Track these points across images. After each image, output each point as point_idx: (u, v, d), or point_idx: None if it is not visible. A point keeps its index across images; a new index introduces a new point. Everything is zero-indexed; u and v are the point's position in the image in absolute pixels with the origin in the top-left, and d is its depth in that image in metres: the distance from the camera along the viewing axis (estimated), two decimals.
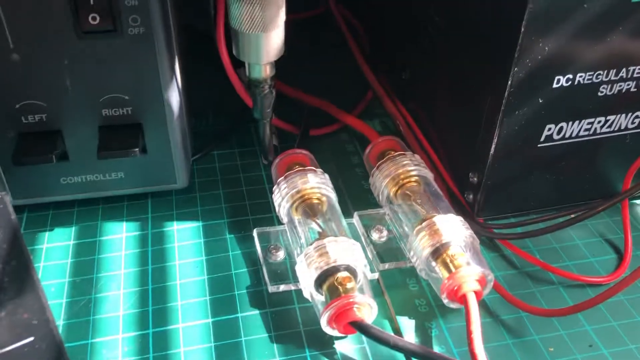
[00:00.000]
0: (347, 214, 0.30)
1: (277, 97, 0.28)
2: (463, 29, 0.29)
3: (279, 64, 0.27)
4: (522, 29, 0.24)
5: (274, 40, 0.23)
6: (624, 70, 0.26)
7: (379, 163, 0.30)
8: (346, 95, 0.38)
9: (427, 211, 0.27)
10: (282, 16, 0.23)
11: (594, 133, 0.29)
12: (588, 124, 0.28)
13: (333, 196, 0.28)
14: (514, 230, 0.30)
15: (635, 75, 0.27)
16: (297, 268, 0.25)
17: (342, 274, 0.24)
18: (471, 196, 0.30)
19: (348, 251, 0.25)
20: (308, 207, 0.27)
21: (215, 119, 0.36)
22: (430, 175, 0.29)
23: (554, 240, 0.30)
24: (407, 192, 0.29)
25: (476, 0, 0.27)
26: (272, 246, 0.27)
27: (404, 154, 0.30)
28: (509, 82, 0.25)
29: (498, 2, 0.25)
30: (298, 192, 0.28)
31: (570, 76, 0.26)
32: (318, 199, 0.28)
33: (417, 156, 0.30)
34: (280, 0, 0.22)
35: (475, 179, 0.29)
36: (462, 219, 0.27)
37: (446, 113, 0.32)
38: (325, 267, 0.24)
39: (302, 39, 0.40)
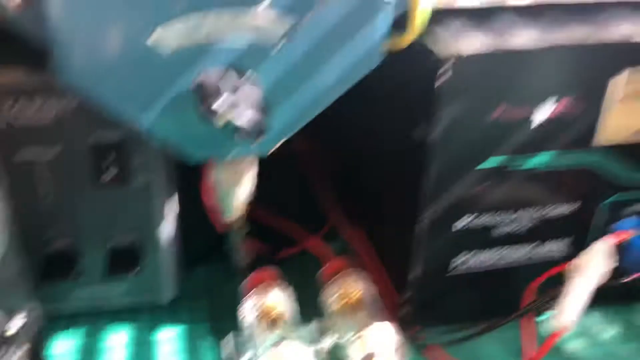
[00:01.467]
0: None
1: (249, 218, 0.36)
2: (389, 178, 0.37)
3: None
4: (426, 190, 0.32)
5: (244, 193, 0.31)
6: (511, 215, 0.35)
7: (329, 281, 0.37)
8: (314, 217, 0.46)
9: (364, 324, 0.34)
10: (250, 176, 0.31)
11: (498, 261, 0.36)
12: (490, 255, 0.36)
13: (293, 309, 0.35)
14: (440, 340, 0.36)
15: (521, 219, 0.35)
16: None
17: None
18: (404, 310, 0.37)
19: (299, 357, 0.31)
20: (270, 320, 0.34)
21: (205, 239, 0.44)
22: (371, 292, 0.37)
23: (475, 348, 0.37)
24: (351, 306, 0.36)
25: (396, 163, 0.36)
26: (237, 353, 0.34)
27: (354, 274, 0.38)
28: (419, 228, 0.33)
29: (407, 164, 0.34)
30: (262, 305, 0.35)
31: (468, 221, 0.34)
32: (279, 311, 0.35)
33: (362, 275, 0.38)
34: (249, 166, 0.30)
35: (407, 295, 0.36)
36: (393, 330, 0.34)
37: (387, 238, 0.39)
38: None
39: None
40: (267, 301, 0.35)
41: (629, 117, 0.33)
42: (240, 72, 0.26)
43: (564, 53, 0.30)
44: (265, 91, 0.27)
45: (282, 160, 0.52)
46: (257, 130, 0.26)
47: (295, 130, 0.29)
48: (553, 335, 0.30)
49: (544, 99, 0.31)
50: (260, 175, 0.53)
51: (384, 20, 0.27)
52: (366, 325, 0.34)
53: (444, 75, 0.29)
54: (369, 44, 0.27)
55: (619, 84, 0.31)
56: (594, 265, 0.32)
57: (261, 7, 0.24)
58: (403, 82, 0.33)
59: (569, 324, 0.30)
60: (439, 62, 0.28)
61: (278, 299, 0.35)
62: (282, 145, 0.53)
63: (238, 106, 0.25)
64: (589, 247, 0.33)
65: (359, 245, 0.42)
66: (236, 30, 0.25)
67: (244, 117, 0.25)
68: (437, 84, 0.29)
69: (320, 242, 0.42)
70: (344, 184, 0.47)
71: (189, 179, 0.40)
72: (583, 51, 0.30)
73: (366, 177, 0.42)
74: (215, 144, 0.28)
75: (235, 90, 0.25)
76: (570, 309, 0.30)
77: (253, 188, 0.32)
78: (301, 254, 0.43)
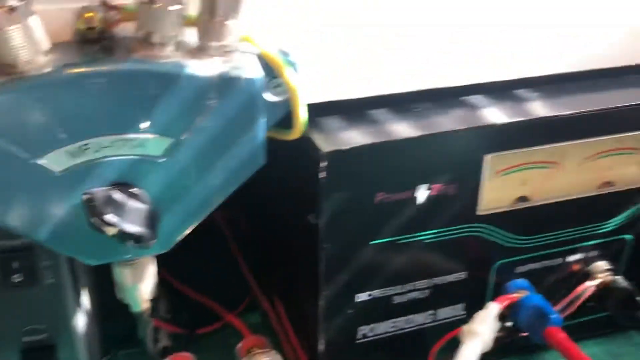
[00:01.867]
0: None
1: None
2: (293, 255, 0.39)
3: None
4: (323, 268, 0.34)
5: (146, 287, 0.33)
6: (408, 285, 0.37)
7: (245, 357, 0.39)
8: (234, 293, 0.47)
9: None
10: (151, 272, 0.33)
11: (400, 329, 0.38)
12: (393, 323, 0.38)
13: None
14: None
15: (418, 287, 0.37)
16: None
17: None
18: None
19: None
20: None
21: (125, 322, 0.45)
22: None
23: None
24: None
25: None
26: None
27: (267, 352, 0.39)
28: (320, 302, 0.35)
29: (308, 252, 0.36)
30: None
31: (368, 293, 0.36)
32: None
33: (277, 354, 0.39)
34: (149, 263, 0.32)
35: None
36: None
37: (298, 311, 0.41)
38: None
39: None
40: None
41: (501, 190, 0.36)
42: (128, 186, 0.27)
43: (435, 140, 0.33)
44: (154, 200, 0.28)
45: (204, 236, 0.54)
46: (147, 238, 0.27)
47: (188, 229, 0.30)
48: None
49: (420, 183, 0.33)
50: (183, 250, 0.55)
51: (264, 123, 0.29)
52: None
53: (325, 168, 0.31)
54: (252, 147, 0.29)
55: (487, 165, 0.35)
56: (483, 328, 0.35)
57: (140, 133, 0.26)
58: (296, 171, 0.35)
59: None
60: (320, 155, 0.31)
61: None
62: (203, 222, 0.55)
63: (126, 217, 0.27)
64: (478, 312, 0.36)
65: (275, 320, 0.44)
66: (120, 151, 0.27)
67: (132, 227, 0.27)
68: (320, 175, 0.31)
69: (236, 318, 0.43)
70: (265, 259, 0.49)
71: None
72: (454, 137, 0.33)
73: (280, 253, 0.44)
74: (111, 249, 0.29)
75: (123, 203, 0.27)
76: None
77: (155, 282, 0.33)
78: (223, 328, 0.45)
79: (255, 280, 0.47)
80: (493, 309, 0.36)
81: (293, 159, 0.36)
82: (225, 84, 0.27)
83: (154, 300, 0.35)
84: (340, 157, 0.31)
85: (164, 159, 0.28)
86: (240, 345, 0.40)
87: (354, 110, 0.35)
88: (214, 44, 0.27)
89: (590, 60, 0.38)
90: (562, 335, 0.36)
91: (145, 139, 0.27)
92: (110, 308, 0.44)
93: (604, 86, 0.38)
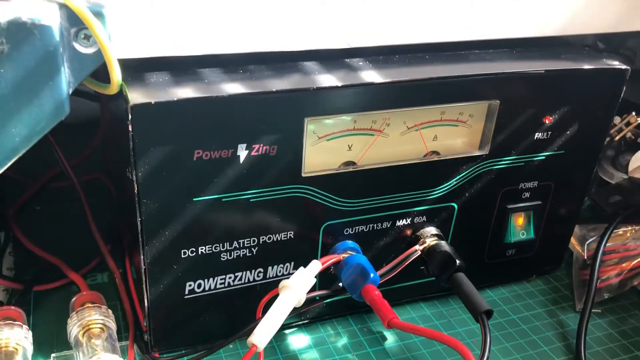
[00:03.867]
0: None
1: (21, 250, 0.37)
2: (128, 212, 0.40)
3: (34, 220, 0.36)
4: (144, 223, 0.35)
5: None
6: (235, 242, 0.38)
7: (76, 311, 0.39)
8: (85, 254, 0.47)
9: (100, 351, 0.37)
10: None
11: (229, 285, 0.40)
12: (221, 279, 0.39)
13: (28, 345, 0.37)
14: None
15: (245, 245, 0.39)
16: None
17: None
18: (146, 336, 0.39)
19: None
20: (2, 354, 0.36)
21: None
22: (112, 325, 0.39)
23: None
24: (90, 335, 0.38)
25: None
26: None
27: (98, 307, 0.40)
28: (143, 257, 0.36)
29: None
30: None
31: (194, 249, 0.37)
32: (13, 346, 0.36)
33: (108, 310, 0.40)
34: None
35: (145, 323, 0.39)
36: (120, 359, 0.36)
37: (134, 269, 0.42)
38: None
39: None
40: (3, 337, 0.36)
41: (326, 154, 0.38)
42: None
43: (254, 100, 0.34)
44: None
45: (60, 200, 0.53)
46: None
47: None
48: (249, 350, 0.34)
49: (240, 142, 0.34)
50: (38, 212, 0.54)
51: (69, 74, 0.30)
52: (99, 352, 0.36)
53: (132, 121, 0.32)
54: (54, 97, 0.29)
55: (308, 129, 0.36)
56: (296, 283, 0.36)
57: None
58: (120, 126, 0.36)
59: (259, 341, 0.34)
60: (129, 109, 0.31)
61: (14, 335, 0.36)
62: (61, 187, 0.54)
63: None
64: (299, 269, 0.38)
65: (119, 280, 0.44)
66: None
67: None
68: (130, 129, 0.32)
69: (79, 276, 0.44)
70: (115, 222, 0.49)
71: None
72: (274, 98, 0.34)
73: (124, 214, 0.45)
74: None
75: None
76: (264, 327, 0.34)
77: None
78: (67, 286, 0.45)
79: (106, 241, 0.47)
80: (314, 266, 0.38)
81: (119, 116, 0.36)
82: (17, 29, 0.27)
83: None
84: (150, 110, 0.32)
85: None
86: (74, 299, 0.40)
87: (182, 68, 0.36)
88: None
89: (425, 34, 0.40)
90: (376, 293, 0.38)
91: None
92: None
93: (440, 59, 0.40)
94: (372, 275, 0.38)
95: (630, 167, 0.53)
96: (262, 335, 0.34)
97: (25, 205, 0.53)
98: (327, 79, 0.36)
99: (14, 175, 0.52)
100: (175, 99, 0.32)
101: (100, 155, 0.57)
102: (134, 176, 0.33)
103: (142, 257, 0.36)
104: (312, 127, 0.37)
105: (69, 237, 0.49)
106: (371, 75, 0.37)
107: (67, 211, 0.52)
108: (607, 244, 0.48)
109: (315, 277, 0.38)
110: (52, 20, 0.28)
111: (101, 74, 0.32)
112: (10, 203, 0.52)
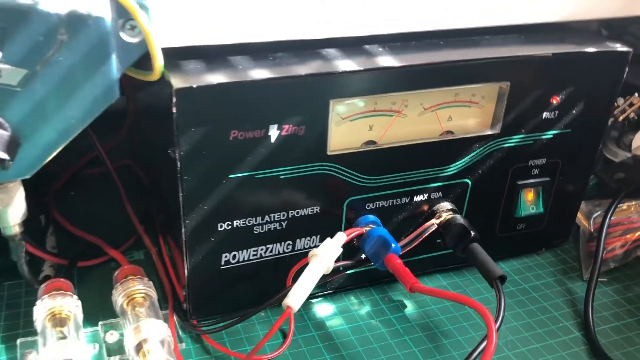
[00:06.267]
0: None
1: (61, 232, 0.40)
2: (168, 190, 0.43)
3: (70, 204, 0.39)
4: (184, 198, 0.38)
5: (15, 212, 0.36)
6: (267, 217, 0.41)
7: (120, 282, 0.42)
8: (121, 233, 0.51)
9: (144, 317, 0.40)
10: (19, 197, 0.35)
11: (261, 257, 0.43)
12: (254, 251, 0.42)
13: (78, 312, 0.40)
14: (214, 326, 0.42)
15: (276, 219, 0.42)
16: None
17: None
18: (184, 305, 0.43)
19: (73, 349, 0.36)
20: (57, 320, 0.39)
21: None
22: (153, 294, 0.42)
23: (243, 331, 0.43)
24: (134, 304, 0.41)
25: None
26: (27, 351, 0.39)
27: (140, 278, 0.43)
28: (183, 230, 0.39)
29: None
30: (51, 309, 0.39)
31: (229, 223, 0.40)
32: (66, 313, 0.39)
33: (149, 281, 0.43)
34: (15, 188, 0.35)
35: (184, 293, 0.42)
36: (164, 324, 0.39)
37: (173, 243, 0.45)
38: None
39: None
40: (56, 304, 0.40)
41: (349, 134, 0.41)
42: None
43: (284, 83, 0.37)
44: (14, 127, 0.31)
45: (96, 183, 0.57)
46: (5, 160, 0.30)
47: (50, 155, 0.33)
48: (283, 313, 0.37)
49: (271, 123, 0.37)
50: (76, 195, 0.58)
51: (118, 61, 0.33)
52: (143, 318, 0.39)
53: (176, 104, 0.35)
54: (106, 82, 0.32)
55: (333, 110, 0.39)
56: (325, 252, 0.39)
57: None
58: (161, 111, 0.39)
59: (294, 303, 0.37)
60: (172, 92, 0.35)
61: (66, 303, 0.40)
62: (100, 164, 0.58)
63: None
64: (326, 240, 0.41)
65: (155, 256, 0.47)
66: None
67: None
68: (173, 110, 0.35)
69: (119, 253, 0.47)
70: (150, 202, 0.52)
71: None
72: (302, 81, 0.37)
73: (160, 193, 0.48)
74: None
75: None
76: (297, 290, 0.37)
77: (24, 207, 0.36)
78: (107, 263, 0.48)
79: (140, 222, 0.50)
80: (339, 238, 0.41)
81: (160, 100, 0.39)
82: (74, 21, 0.31)
83: (26, 224, 0.38)
84: (192, 94, 0.35)
85: (21, 89, 0.31)
86: (117, 273, 0.43)
87: (215, 56, 0.39)
88: None
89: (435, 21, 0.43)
90: (398, 261, 0.41)
91: (1, 69, 0.30)
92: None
93: (453, 45, 0.43)
94: (393, 245, 0.41)
95: (634, 146, 0.55)
96: (296, 298, 0.37)
97: (60, 191, 0.57)
98: (350, 64, 0.39)
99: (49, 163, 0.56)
100: (215, 83, 0.35)
101: (128, 144, 0.60)
102: (176, 155, 0.36)
103: (182, 230, 0.39)
104: (337, 109, 0.40)
105: (102, 219, 0.52)
106: (390, 60, 0.40)
107: (99, 195, 0.56)
108: (612, 218, 0.51)
109: (342, 247, 0.41)
110: (104, 11, 0.31)
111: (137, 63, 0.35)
112: (47, 189, 0.55)
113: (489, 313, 0.36)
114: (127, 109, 0.57)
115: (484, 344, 0.36)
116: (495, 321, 0.38)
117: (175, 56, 0.38)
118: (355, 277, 0.47)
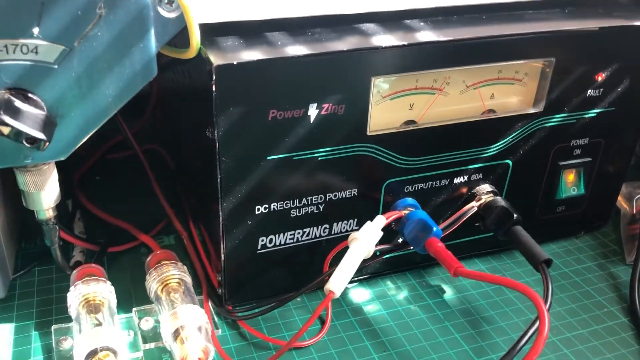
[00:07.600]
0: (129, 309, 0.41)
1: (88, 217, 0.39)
2: (201, 173, 0.42)
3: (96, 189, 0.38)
4: (221, 180, 0.37)
5: (49, 195, 0.35)
6: (304, 199, 0.40)
7: (153, 268, 0.41)
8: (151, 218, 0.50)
9: (179, 303, 0.39)
10: (53, 179, 0.34)
11: (298, 240, 0.42)
12: (291, 235, 0.41)
13: (112, 298, 0.39)
14: (250, 312, 0.41)
15: (313, 202, 0.40)
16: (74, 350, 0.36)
17: (103, 353, 0.35)
18: (220, 290, 0.42)
19: (109, 336, 0.35)
20: (91, 306, 0.38)
21: (42, 242, 0.47)
22: (188, 279, 0.41)
23: (280, 317, 0.42)
24: (169, 290, 0.40)
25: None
26: (62, 338, 0.38)
27: (174, 263, 0.42)
28: (220, 213, 0.38)
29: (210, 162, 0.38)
30: (85, 295, 0.38)
31: (267, 205, 0.39)
32: (100, 300, 0.38)
33: (184, 266, 0.42)
34: (49, 170, 0.34)
35: (220, 278, 0.41)
36: (201, 309, 0.38)
37: (207, 228, 0.44)
38: (90, 348, 0.34)
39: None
40: (90, 291, 0.39)
41: (389, 113, 0.39)
42: (24, 91, 0.29)
43: (324, 60, 0.35)
44: (50, 106, 0.30)
45: (125, 168, 0.56)
46: (40, 139, 0.29)
47: (87, 136, 0.32)
48: (326, 297, 0.36)
49: (311, 102, 0.36)
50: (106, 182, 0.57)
51: (156, 37, 0.31)
52: (178, 305, 0.38)
53: (216, 81, 0.33)
54: (144, 58, 0.31)
55: (374, 87, 0.37)
56: (365, 235, 0.38)
57: (31, 39, 0.28)
58: (197, 89, 0.38)
59: (336, 288, 0.36)
60: (211, 70, 0.33)
61: (99, 289, 0.39)
62: (124, 148, 0.56)
63: (21, 120, 0.29)
64: (366, 223, 0.40)
65: (187, 240, 0.46)
66: (14, 55, 0.28)
67: (26, 128, 0.29)
68: (212, 88, 0.34)
69: (150, 238, 0.46)
70: (181, 186, 0.51)
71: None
72: (342, 57, 0.36)
73: (192, 177, 0.47)
74: (9, 152, 0.31)
75: (17, 106, 0.28)
76: (339, 275, 0.36)
77: (58, 190, 0.35)
78: (137, 248, 0.47)
79: (170, 206, 0.49)
80: (379, 221, 0.39)
81: (195, 79, 0.38)
82: None
83: (59, 209, 0.37)
84: (231, 71, 0.33)
85: (57, 66, 0.30)
86: (149, 258, 0.42)
87: (252, 32, 0.37)
88: None
89: None
90: (440, 245, 0.40)
91: (38, 45, 0.29)
92: (30, 228, 0.46)
93: (496, 19, 0.41)
94: (434, 228, 0.40)
95: None
96: (337, 282, 0.36)
97: (86, 176, 0.56)
98: (391, 39, 0.37)
99: None
100: (256, 59, 0.34)
101: (151, 127, 0.59)
102: (214, 135, 0.35)
103: (220, 213, 0.38)
104: (378, 86, 0.38)
105: (128, 204, 0.51)
106: (432, 35, 0.38)
107: (125, 180, 0.55)
108: None
109: (382, 230, 0.40)
110: None
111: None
112: (73, 173, 0.54)
113: (539, 295, 0.35)
114: (151, 90, 0.56)
115: (534, 327, 0.35)
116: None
117: (210, 33, 0.36)
118: (391, 261, 0.46)
